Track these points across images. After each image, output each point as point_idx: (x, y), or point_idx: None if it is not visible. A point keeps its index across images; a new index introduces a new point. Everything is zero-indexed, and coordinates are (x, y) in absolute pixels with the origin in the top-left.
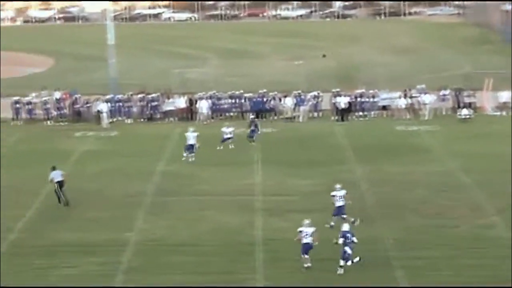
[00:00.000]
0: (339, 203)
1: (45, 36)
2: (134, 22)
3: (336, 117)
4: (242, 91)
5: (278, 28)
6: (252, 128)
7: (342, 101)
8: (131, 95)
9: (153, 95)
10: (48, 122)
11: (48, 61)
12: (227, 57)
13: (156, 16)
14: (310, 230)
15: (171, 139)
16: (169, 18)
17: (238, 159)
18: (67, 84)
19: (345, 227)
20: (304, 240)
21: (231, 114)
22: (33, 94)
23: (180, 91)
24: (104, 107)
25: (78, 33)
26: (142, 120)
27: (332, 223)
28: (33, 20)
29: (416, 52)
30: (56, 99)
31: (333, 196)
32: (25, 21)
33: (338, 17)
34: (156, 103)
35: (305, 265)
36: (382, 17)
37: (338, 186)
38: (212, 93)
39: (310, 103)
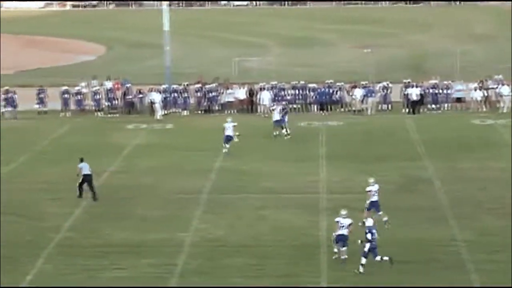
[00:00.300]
0: (374, 198)
1: (96, 22)
2: (191, 7)
3: (407, 110)
4: (305, 82)
5: (345, 13)
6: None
7: (414, 93)
8: (187, 85)
9: (211, 85)
10: (99, 113)
11: (99, 48)
12: (290, 45)
13: (215, 0)
14: (347, 222)
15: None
16: (228, 3)
17: (301, 154)
18: (119, 73)
19: (370, 222)
20: (339, 232)
21: (294, 106)
22: (83, 84)
23: (240, 81)
24: (156, 97)
25: (131, 19)
26: (199, 112)
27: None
28: (84, 5)
29: (493, 41)
30: (107, 89)
31: (368, 191)
32: (75, 6)
33: (409, 2)
34: (214, 94)
35: (342, 257)
36: (457, 3)
37: (371, 180)
38: (274, 83)
39: (379, 94)
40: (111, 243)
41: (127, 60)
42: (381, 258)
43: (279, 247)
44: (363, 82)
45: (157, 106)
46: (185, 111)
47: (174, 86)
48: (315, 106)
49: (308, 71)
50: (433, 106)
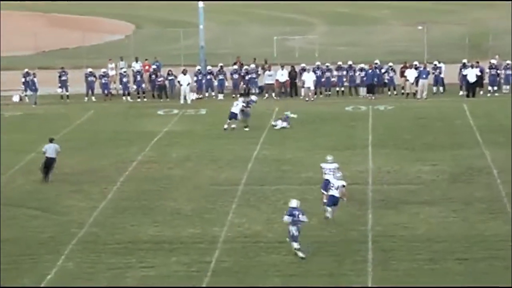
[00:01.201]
0: (333, 192)
1: None
2: None
3: (464, 92)
4: (351, 62)
5: None
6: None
7: (471, 74)
8: (223, 66)
9: (250, 66)
10: (126, 98)
11: (127, 26)
12: (335, 23)
13: None
14: (331, 166)
15: (270, 119)
16: None
17: (347, 142)
18: (148, 54)
19: (293, 203)
20: (330, 192)
21: (341, 89)
22: (109, 66)
23: (281, 62)
24: (184, 79)
25: None
26: (235, 96)
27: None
28: None
29: None
30: (136, 71)
31: (322, 168)
32: None
33: None
34: (252, 75)
35: (327, 215)
36: None
37: (329, 158)
38: (318, 64)
39: (432, 75)
40: (138, 240)
41: (158, 39)
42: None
43: (322, 243)
44: (416, 63)
45: (184, 88)
46: (221, 95)
47: (209, 67)
48: (363, 89)
49: (355, 51)
50: (493, 88)
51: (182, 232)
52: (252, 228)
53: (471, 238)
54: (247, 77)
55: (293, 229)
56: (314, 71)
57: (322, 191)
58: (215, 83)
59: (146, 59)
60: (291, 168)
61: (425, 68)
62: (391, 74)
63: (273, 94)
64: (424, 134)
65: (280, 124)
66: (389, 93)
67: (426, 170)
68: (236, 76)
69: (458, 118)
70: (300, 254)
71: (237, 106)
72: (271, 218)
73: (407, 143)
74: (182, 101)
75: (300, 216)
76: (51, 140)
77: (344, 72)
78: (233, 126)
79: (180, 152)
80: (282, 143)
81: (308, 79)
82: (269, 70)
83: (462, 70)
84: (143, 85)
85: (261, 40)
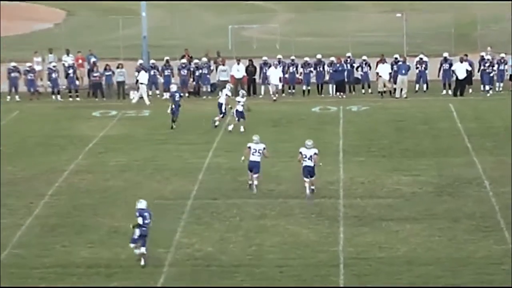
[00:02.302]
0: (307, 162)
1: None
2: None
3: (448, 91)
4: (320, 56)
5: None
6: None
7: (461, 69)
8: (169, 60)
9: (200, 60)
10: (56, 97)
11: (57, 13)
12: (300, 9)
13: None
14: (259, 147)
15: (224, 121)
16: None
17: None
18: (82, 46)
19: (142, 204)
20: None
21: (307, 87)
22: (36, 60)
23: (237, 55)
24: (144, 77)
25: None
26: (184, 94)
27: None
28: None
29: None
30: (67, 66)
31: (302, 154)
32: None
33: None
34: (204, 71)
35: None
36: None
37: (309, 142)
38: (280, 58)
39: (416, 71)
40: (70, 263)
41: (93, 28)
42: (144, 252)
43: (286, 267)
44: (396, 56)
45: (144, 89)
46: (166, 94)
47: (153, 61)
48: (332, 87)
49: (323, 42)
50: (486, 86)
51: (121, 253)
52: (203, 249)
53: (459, 260)
54: (197, 73)
55: (137, 231)
56: (278, 65)
57: (304, 178)
58: (160, 79)
59: (79, 52)
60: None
61: (404, 62)
62: (365, 69)
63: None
64: (404, 139)
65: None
66: (363, 91)
67: (407, 181)
68: (184, 71)
69: (444, 121)
70: (142, 262)
71: (238, 104)
72: (225, 237)
73: (384, 149)
74: (134, 100)
75: (146, 219)
76: None
77: (312, 67)
78: (241, 129)
79: (118, 160)
80: (239, 149)
81: (274, 75)
82: (223, 65)
83: (444, 65)
84: (77, 82)
85: (214, 30)
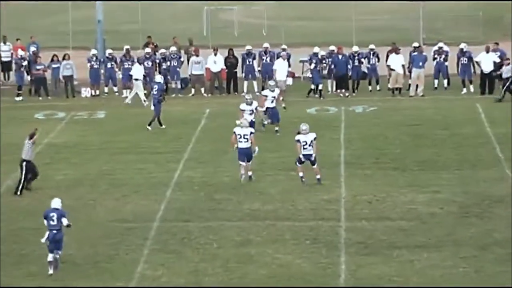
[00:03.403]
0: (307, 151)
1: None
2: None
3: (467, 90)
4: (317, 50)
5: None
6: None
7: (485, 61)
8: (129, 50)
9: (168, 50)
10: None
11: None
12: None
13: None
14: (244, 131)
15: (198, 126)
16: None
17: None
18: (22, 32)
19: (54, 203)
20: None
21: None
22: None
23: (214, 43)
24: (138, 72)
25: None
26: (148, 92)
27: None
28: None
29: None
30: (21, 57)
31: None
32: None
33: None
34: (173, 63)
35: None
36: None
37: (304, 127)
38: (266, 47)
39: (434, 63)
40: None
41: (35, 12)
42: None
43: None
44: (416, 44)
45: (140, 86)
46: (126, 91)
47: (110, 51)
48: (331, 83)
49: (319, 27)
50: None
51: None
52: (173, 282)
53: None
54: (164, 66)
55: (46, 235)
56: (261, 56)
57: (298, 164)
58: (119, 73)
59: (17, 39)
60: (228, 196)
61: (421, 52)
62: (373, 60)
63: (203, 90)
64: (420, 147)
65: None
66: (370, 88)
67: (424, 199)
68: (149, 63)
69: (470, 125)
70: (50, 270)
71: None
72: (200, 268)
73: (396, 160)
74: (128, 101)
75: (54, 220)
76: None
77: (309, 60)
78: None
79: (67, 174)
80: (215, 160)
81: (281, 69)
82: (197, 56)
83: (461, 58)
84: (16, 77)
85: (185, 12)
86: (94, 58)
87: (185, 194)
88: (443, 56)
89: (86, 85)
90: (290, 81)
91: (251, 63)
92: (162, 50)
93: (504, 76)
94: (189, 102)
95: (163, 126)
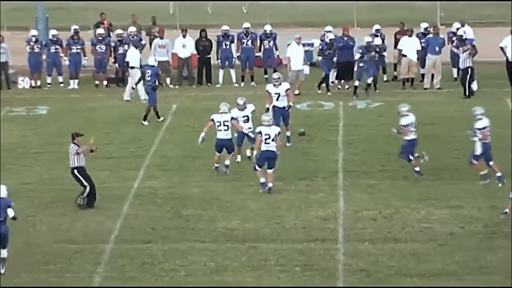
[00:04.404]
0: (269, 147)
1: None
2: None
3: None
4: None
5: None
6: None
7: (510, 46)
8: (78, 31)
9: (126, 30)
10: None
11: None
12: None
13: None
14: (224, 118)
15: (162, 125)
16: None
17: (301, 166)
18: None
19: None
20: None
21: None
22: None
23: (183, 23)
24: (134, 57)
25: None
26: (100, 82)
27: None
28: None
29: None
30: None
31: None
32: None
33: None
34: (130, 48)
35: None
36: None
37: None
38: (247, 27)
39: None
40: None
41: None
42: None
43: None
44: (425, 25)
45: (137, 74)
46: (74, 81)
47: (54, 32)
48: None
49: (311, 5)
50: None
51: None
52: None
53: None
54: (120, 50)
55: None
56: (240, 39)
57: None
58: (65, 60)
59: None
60: (199, 212)
61: (437, 34)
62: (377, 46)
63: (168, 80)
64: (436, 152)
65: None
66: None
67: (441, 216)
68: (102, 47)
69: (497, 124)
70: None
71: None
72: None
73: (407, 167)
74: (127, 97)
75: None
76: None
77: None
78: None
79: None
80: (184, 167)
81: (296, 56)
82: (161, 38)
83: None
84: None
85: None
86: (34, 41)
87: (146, 209)
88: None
89: (25, 74)
90: (307, 69)
91: (228, 47)
92: (119, 31)
93: None
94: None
95: (161, 119)
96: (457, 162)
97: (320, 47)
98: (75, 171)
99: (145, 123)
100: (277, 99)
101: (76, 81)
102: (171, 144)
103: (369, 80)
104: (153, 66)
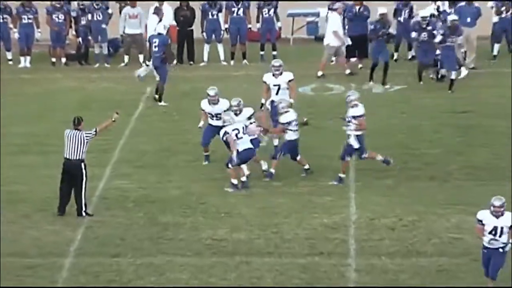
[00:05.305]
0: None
1: None
2: None
3: None
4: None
5: None
6: None
7: None
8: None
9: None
10: None
11: None
12: None
13: None
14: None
15: (134, 112)
16: None
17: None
18: None
19: None
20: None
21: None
22: None
23: None
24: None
25: None
26: (58, 59)
27: None
28: None
29: None
30: None
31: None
32: None
33: None
34: (96, 17)
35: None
36: None
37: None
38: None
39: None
40: None
41: None
42: None
43: None
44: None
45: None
46: (25, 58)
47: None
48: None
49: None
50: None
51: None
52: None
53: None
54: (83, 21)
55: None
56: (230, 8)
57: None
58: (14, 32)
59: None
60: (178, 218)
61: (471, 2)
62: (405, 14)
63: (141, 57)
64: (469, 146)
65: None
66: (395, 56)
67: (472, 223)
68: (59, 16)
69: None
70: None
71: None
72: None
73: (433, 165)
74: (140, 74)
75: None
76: None
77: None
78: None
79: None
80: (160, 165)
81: (334, 28)
82: (133, 7)
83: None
84: None
85: None
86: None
87: (114, 215)
88: (505, 9)
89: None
90: (348, 40)
91: (215, 17)
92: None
93: None
94: (120, 76)
95: (163, 103)
96: (496, 158)
97: (372, 26)
98: (82, 164)
99: (163, 103)
100: (276, 93)
101: (28, 58)
102: (144, 135)
103: (453, 74)
104: (160, 34)
